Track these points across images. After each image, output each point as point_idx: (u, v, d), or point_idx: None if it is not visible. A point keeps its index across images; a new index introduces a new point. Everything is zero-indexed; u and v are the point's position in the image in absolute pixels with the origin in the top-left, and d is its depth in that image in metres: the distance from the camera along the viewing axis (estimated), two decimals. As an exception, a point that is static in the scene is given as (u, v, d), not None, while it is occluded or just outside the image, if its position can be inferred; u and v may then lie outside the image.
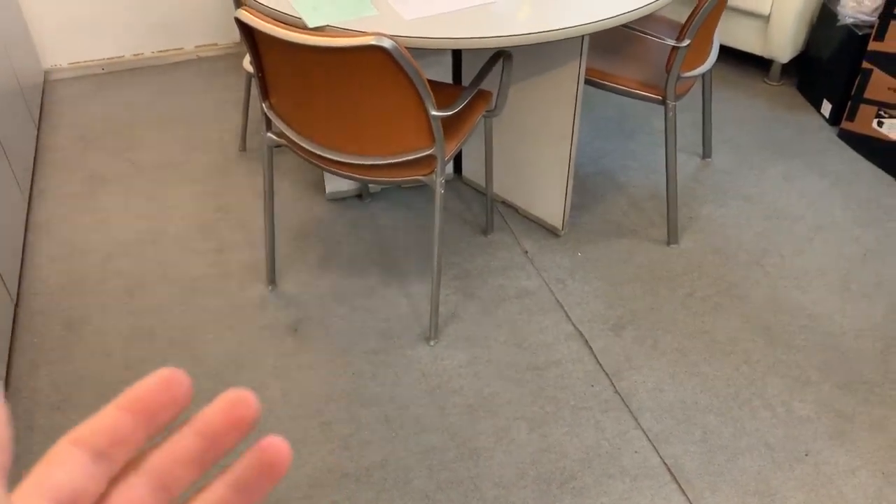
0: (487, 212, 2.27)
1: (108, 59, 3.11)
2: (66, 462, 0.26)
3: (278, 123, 1.80)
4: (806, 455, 1.66)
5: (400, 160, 1.71)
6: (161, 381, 0.28)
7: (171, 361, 1.87)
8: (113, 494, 0.27)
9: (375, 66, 1.51)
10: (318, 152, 1.75)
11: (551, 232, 2.27)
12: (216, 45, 3.22)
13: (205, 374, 1.84)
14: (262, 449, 0.29)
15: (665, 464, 1.64)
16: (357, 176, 1.79)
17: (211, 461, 0.29)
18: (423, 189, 2.45)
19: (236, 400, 0.29)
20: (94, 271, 2.15)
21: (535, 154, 2.17)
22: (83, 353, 1.90)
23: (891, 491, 1.58)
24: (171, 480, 0.28)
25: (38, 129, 2.75)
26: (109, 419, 0.27)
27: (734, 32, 2.91)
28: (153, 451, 0.28)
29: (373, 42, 1.44)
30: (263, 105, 1.79)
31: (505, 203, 2.38)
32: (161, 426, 0.28)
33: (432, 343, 1.92)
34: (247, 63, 2.17)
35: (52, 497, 0.25)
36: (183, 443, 0.28)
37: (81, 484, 0.26)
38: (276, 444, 0.29)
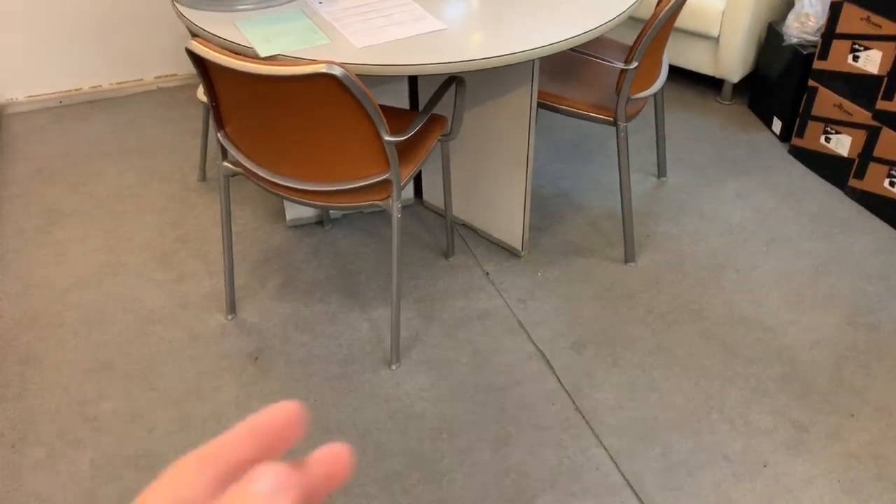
0: (448, 235, 2.28)
1: (65, 91, 3.10)
2: (193, 480, 0.26)
3: (234, 152, 1.81)
4: (764, 466, 1.68)
5: (356, 186, 1.72)
6: (285, 415, 0.29)
7: (131, 394, 1.85)
8: None
9: (327, 94, 1.53)
10: (274, 180, 1.76)
11: (512, 253, 2.29)
12: (176, 75, 3.22)
13: (164, 406, 1.82)
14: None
15: (626, 480, 1.65)
16: (313, 202, 1.80)
17: None
18: (384, 214, 2.46)
19: (336, 457, 0.30)
20: (51, 305, 2.12)
21: (493, 177, 2.20)
22: (40, 388, 1.87)
23: (847, 499, 1.61)
24: None
25: (-6, 164, 2.72)
26: (236, 444, 0.28)
27: (685, 53, 2.98)
28: None
29: (323, 70, 1.46)
30: (218, 134, 1.80)
31: (465, 226, 2.40)
32: (276, 458, 0.29)
33: (394, 367, 1.92)
34: (201, 93, 2.17)
35: None
36: None
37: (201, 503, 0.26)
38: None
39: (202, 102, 2.27)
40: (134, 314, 2.09)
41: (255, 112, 1.64)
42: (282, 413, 0.29)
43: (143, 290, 2.17)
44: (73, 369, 1.92)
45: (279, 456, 0.29)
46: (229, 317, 2.07)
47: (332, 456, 0.30)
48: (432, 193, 2.46)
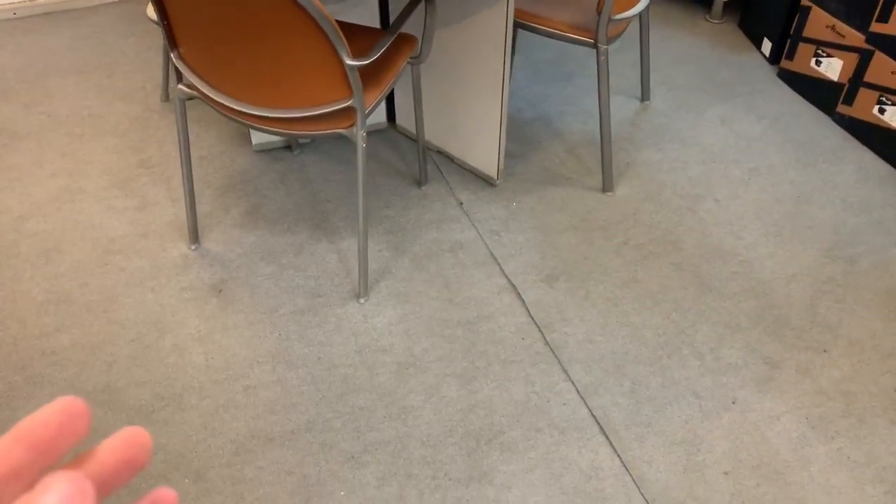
0: (420, 162, 2.20)
1: (19, 2, 2.92)
2: None
3: (188, 75, 1.70)
4: (733, 403, 1.67)
5: (317, 113, 1.63)
6: (60, 413, 0.27)
7: (89, 327, 1.80)
8: None
9: (280, 12, 1.41)
10: (230, 105, 1.66)
11: (487, 182, 2.22)
12: (137, -14, 3.04)
13: (125, 339, 1.77)
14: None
15: (593, 416, 1.64)
16: (272, 129, 1.70)
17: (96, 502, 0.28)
18: (355, 138, 2.36)
19: (131, 440, 0.29)
20: (5, 234, 2.04)
21: (468, 101, 2.10)
22: (-5, 321, 1.82)
23: (813, 435, 1.60)
24: None
25: (-55, 81, 2.59)
26: (3, 451, 0.26)
27: (676, -32, 2.83)
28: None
29: (275, -12, 1.34)
30: (172, 55, 1.69)
31: (440, 152, 2.31)
32: (57, 459, 0.27)
33: (362, 301, 1.87)
34: (150, 10, 2.04)
35: None
36: None
37: None
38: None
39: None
40: (93, 243, 2.02)
41: (205, 32, 1.53)
42: (59, 412, 0.27)
43: (103, 218, 2.09)
44: (29, 301, 1.87)
45: (61, 455, 0.27)
46: (192, 247, 2.00)
47: (129, 441, 0.29)
48: (406, 117, 2.36)
